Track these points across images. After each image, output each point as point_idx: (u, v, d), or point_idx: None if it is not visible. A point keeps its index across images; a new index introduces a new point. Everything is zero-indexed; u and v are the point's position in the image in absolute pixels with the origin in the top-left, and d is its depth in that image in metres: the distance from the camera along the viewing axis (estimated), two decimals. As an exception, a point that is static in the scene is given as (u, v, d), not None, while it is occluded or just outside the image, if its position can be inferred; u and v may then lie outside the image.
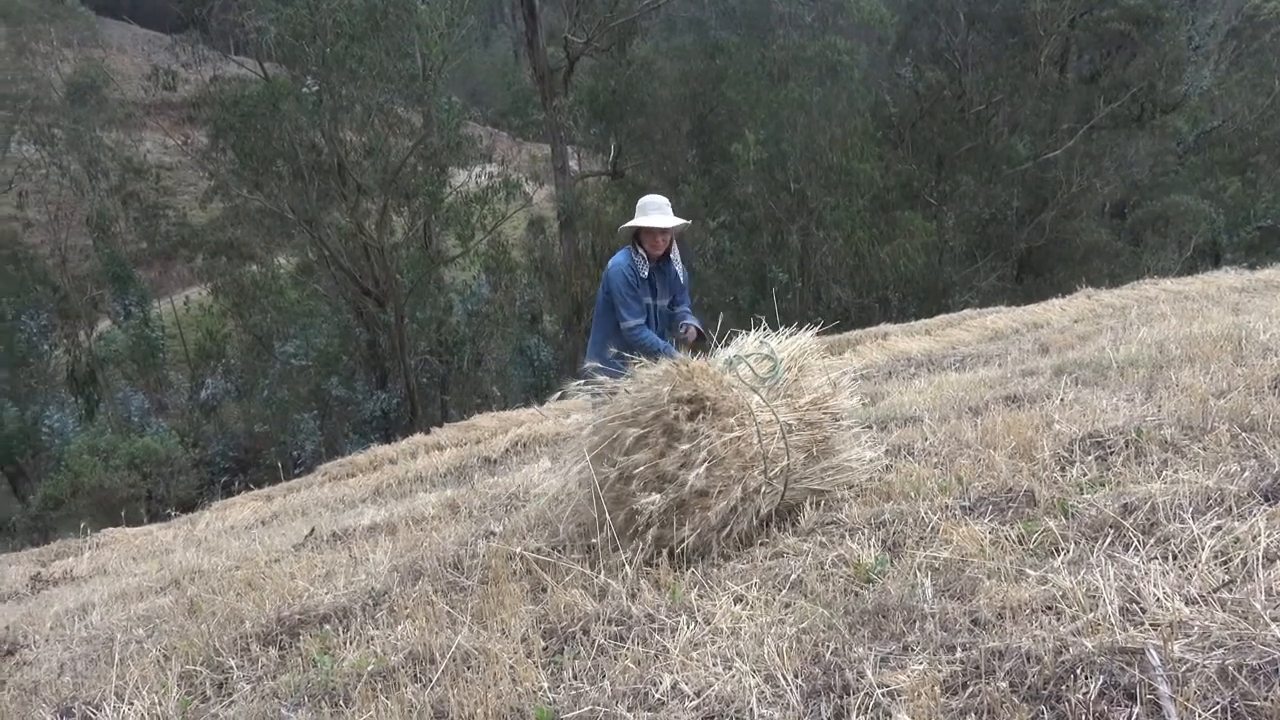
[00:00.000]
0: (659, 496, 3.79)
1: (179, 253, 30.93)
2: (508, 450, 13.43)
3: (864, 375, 11.52)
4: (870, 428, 5.87)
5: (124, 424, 29.26)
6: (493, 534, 4.90)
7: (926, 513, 3.74)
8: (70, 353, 27.61)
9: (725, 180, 31.00)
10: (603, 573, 3.74)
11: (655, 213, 5.26)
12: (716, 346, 4.79)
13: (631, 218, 5.38)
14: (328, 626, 3.86)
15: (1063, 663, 2.26)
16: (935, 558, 3.23)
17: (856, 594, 3.14)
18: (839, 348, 15.41)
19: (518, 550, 4.08)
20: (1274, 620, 2.28)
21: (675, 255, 5.44)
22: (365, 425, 26.11)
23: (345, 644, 3.65)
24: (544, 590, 3.73)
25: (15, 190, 25.95)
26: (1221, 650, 2.22)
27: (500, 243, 29.65)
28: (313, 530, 6.39)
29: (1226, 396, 4.73)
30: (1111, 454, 4.08)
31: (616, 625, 3.15)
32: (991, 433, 4.82)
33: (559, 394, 4.88)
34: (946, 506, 3.80)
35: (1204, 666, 2.18)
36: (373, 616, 3.89)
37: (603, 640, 3.07)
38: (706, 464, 3.79)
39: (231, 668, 3.70)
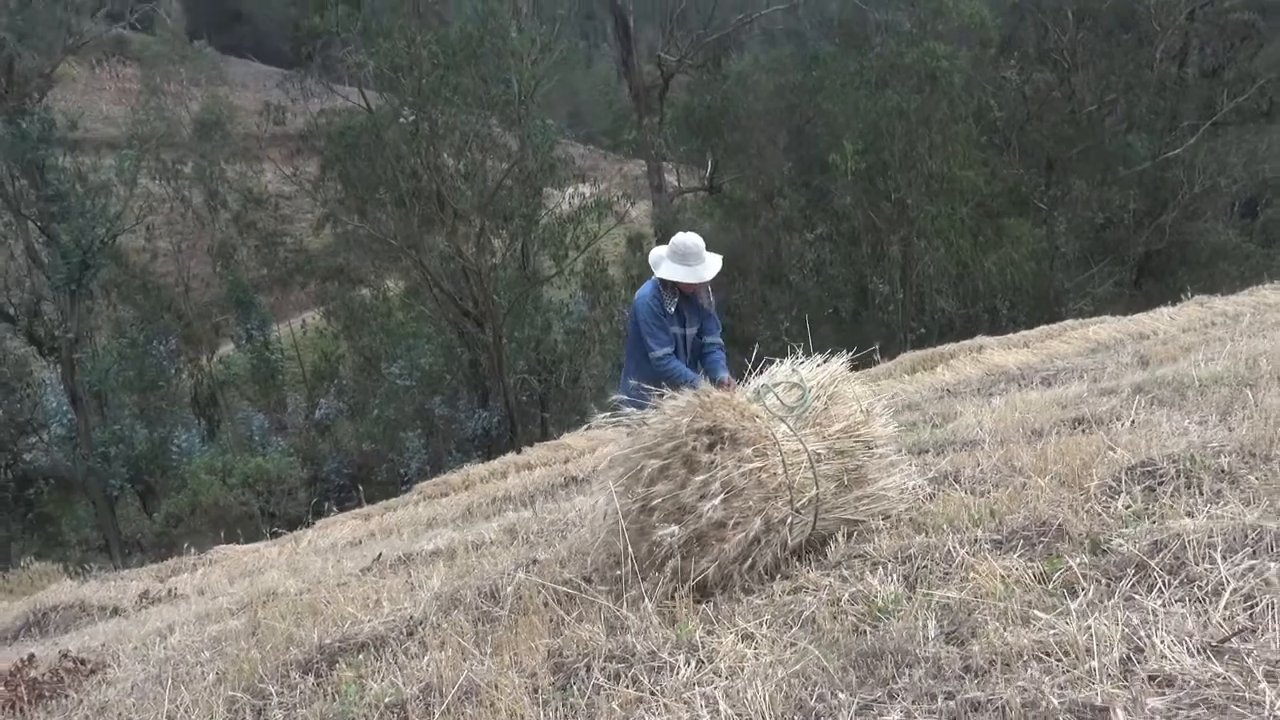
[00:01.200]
0: (677, 528, 3.78)
1: (294, 278, 32.39)
2: (595, 469, 13.56)
3: (949, 391, 11.23)
4: (927, 452, 5.72)
5: (245, 443, 30.76)
6: (535, 562, 4.96)
7: (954, 546, 3.61)
8: (193, 376, 29.22)
9: (823, 191, 30.68)
10: (624, 605, 3.74)
11: (683, 262, 4.98)
12: (753, 374, 4.74)
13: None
14: (362, 655, 3.98)
15: (1031, 717, 2.17)
16: (950, 597, 3.12)
17: (864, 633, 3.06)
18: (932, 362, 15.05)
19: (544, 582, 4.12)
20: (1267, 678, 2.12)
21: (707, 287, 5.30)
22: (468, 443, 26.74)
23: (375, 674, 3.75)
24: (564, 623, 3.76)
25: (144, 224, 27.70)
26: (1203, 709, 2.08)
27: (598, 260, 30.01)
28: (380, 555, 6.60)
29: (1305, 420, 4.43)
30: (1161, 484, 3.86)
31: (618, 663, 3.15)
32: (1045, 459, 4.63)
33: (586, 425, 4.95)
34: (977, 540, 3.66)
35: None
36: (405, 646, 3.99)
37: (601, 678, 3.08)
38: (723, 495, 3.77)
39: (271, 694, 3.85)
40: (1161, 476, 3.92)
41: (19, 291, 21.78)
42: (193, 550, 15.62)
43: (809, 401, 4.30)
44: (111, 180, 23.06)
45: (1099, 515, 3.68)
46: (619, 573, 4.00)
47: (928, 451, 5.72)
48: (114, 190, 23.06)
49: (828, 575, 3.70)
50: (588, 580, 4.26)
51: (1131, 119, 31.69)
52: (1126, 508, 3.70)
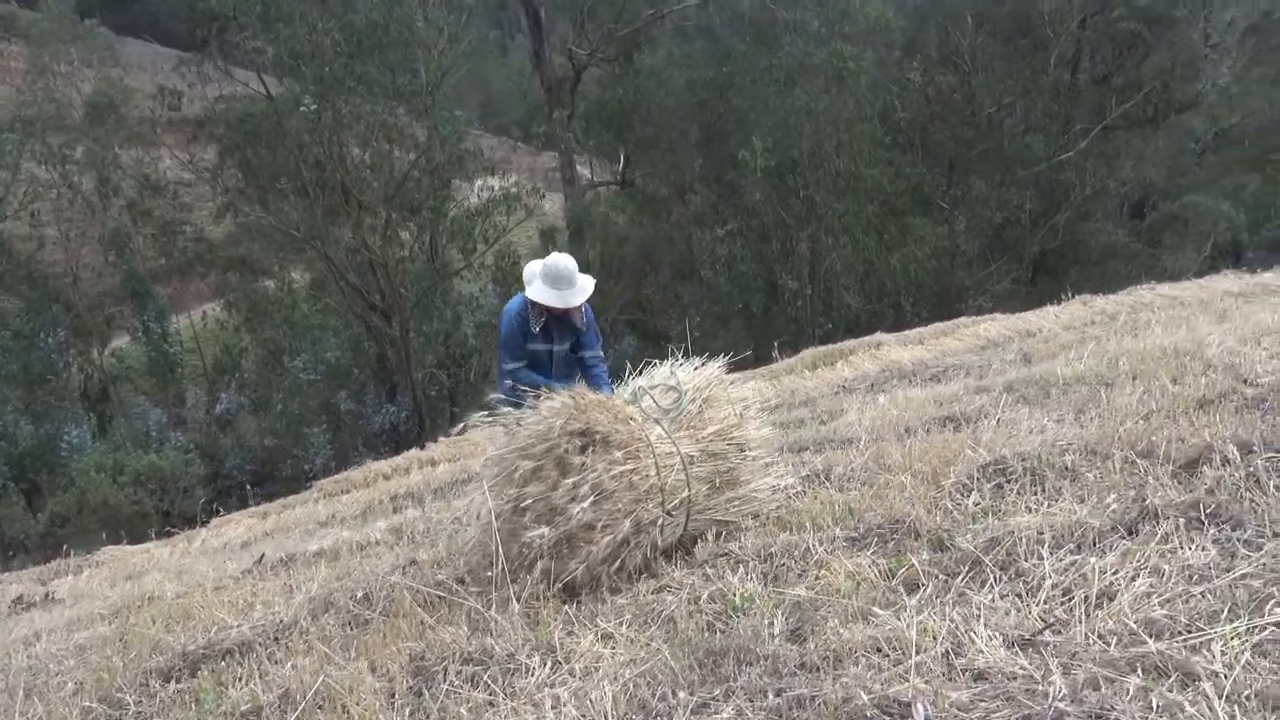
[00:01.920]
0: (547, 530, 3.82)
1: (194, 268, 31.35)
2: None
3: (844, 388, 11.51)
4: (806, 449, 5.87)
5: (142, 438, 29.65)
6: (414, 563, 4.95)
7: (814, 544, 3.73)
8: (84, 370, 28.09)
9: (735, 187, 31.00)
10: (493, 606, 3.76)
11: (554, 285, 4.86)
12: (631, 376, 4.80)
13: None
14: (226, 662, 3.92)
15: (846, 713, 2.27)
16: (799, 595, 3.23)
17: (716, 632, 3.15)
18: (833, 358, 15.38)
19: (414, 585, 4.11)
20: (1061, 670, 2.27)
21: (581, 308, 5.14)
22: (375, 438, 26.30)
23: (237, 680, 3.70)
24: (430, 626, 3.76)
25: (29, 210, 26.43)
26: (1001, 701, 2.21)
27: (509, 253, 29.81)
28: (261, 557, 6.48)
29: (1149, 418, 4.69)
30: (1010, 481, 4.05)
31: (475, 665, 3.18)
32: (910, 457, 4.81)
33: (461, 426, 4.90)
34: (835, 538, 3.79)
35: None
36: (270, 652, 3.94)
37: (457, 681, 3.09)
38: (592, 498, 3.82)
39: (129, 704, 3.77)
40: (1011, 474, 4.11)
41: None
42: (77, 552, 15.00)
43: (684, 405, 4.38)
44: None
45: (950, 512, 3.84)
46: (491, 574, 4.02)
47: (807, 449, 5.87)
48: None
49: (692, 574, 3.79)
50: (461, 581, 4.27)
51: (1028, 122, 32.82)
52: (976, 504, 3.87)
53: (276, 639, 4.10)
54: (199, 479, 23.45)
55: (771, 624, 3.01)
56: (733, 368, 5.13)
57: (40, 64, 40.28)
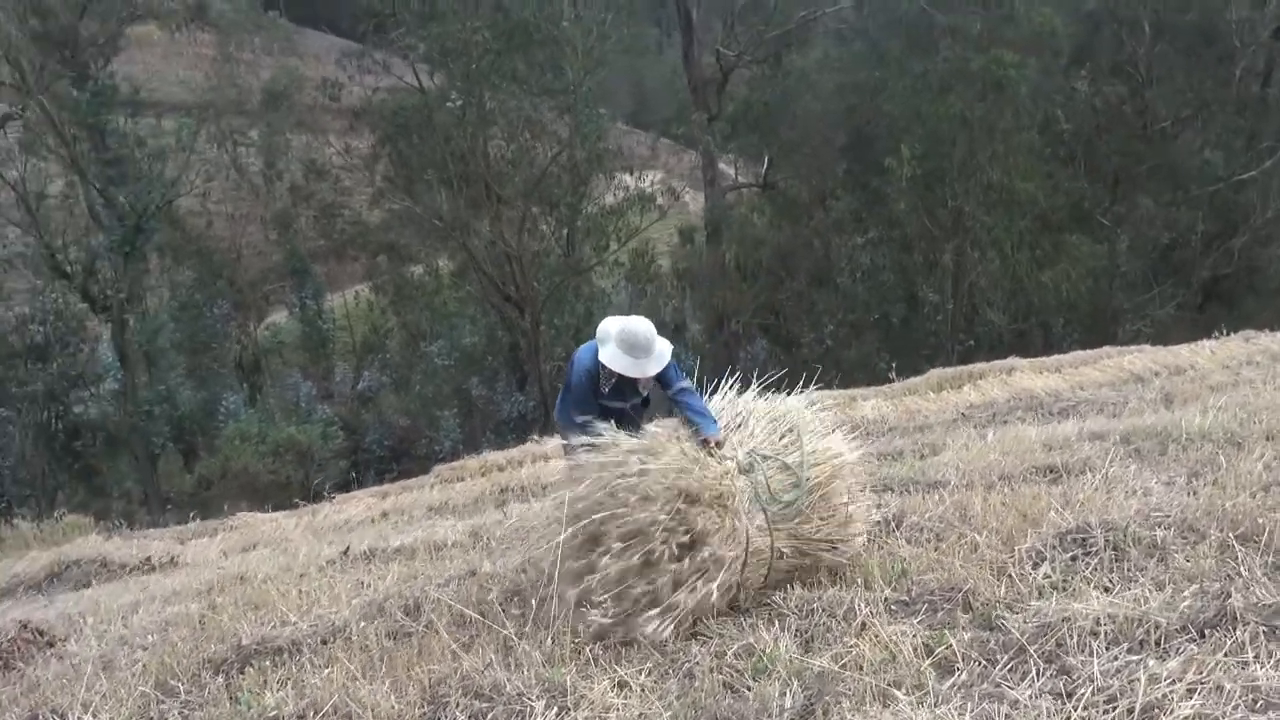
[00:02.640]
0: (607, 618, 3.63)
1: (346, 251, 32.88)
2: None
3: (964, 415, 10.99)
4: (891, 490, 5.59)
5: (292, 409, 31.34)
6: (473, 574, 4.96)
7: (859, 604, 3.53)
8: (239, 342, 29.92)
9: (879, 195, 30.15)
10: (526, 634, 3.72)
11: (629, 353, 4.40)
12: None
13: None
14: (270, 661, 4.02)
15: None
16: (821, 666, 3.05)
17: (732, 694, 3.01)
18: (960, 380, 14.70)
19: (454, 603, 4.11)
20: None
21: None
22: (503, 425, 26.91)
23: (277, 684, 3.78)
24: (463, 648, 3.75)
25: (202, 191, 28.37)
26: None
27: (644, 251, 29.96)
28: (348, 548, 6.68)
29: (1267, 492, 4.24)
30: (1088, 554, 3.72)
31: (483, 701, 3.14)
32: (992, 512, 4.50)
33: (533, 438, 4.77)
34: (884, 600, 3.58)
35: None
36: (313, 656, 4.02)
37: (461, 716, 3.06)
38: (668, 600, 3.62)
39: (180, 693, 3.91)
40: (1091, 546, 3.78)
41: (77, 250, 22.47)
42: (217, 516, 15.98)
43: (799, 500, 3.99)
44: (169, 146, 23.66)
45: (1014, 583, 3.56)
46: (543, 593, 3.95)
47: (891, 489, 5.59)
48: (170, 156, 23.65)
49: (728, 624, 3.64)
50: (511, 599, 4.25)
51: (1207, 137, 30.57)
52: (1046, 578, 3.58)
53: (325, 642, 4.18)
54: (334, 452, 24.57)
55: (784, 696, 2.84)
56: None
57: (226, 52, 43.18)
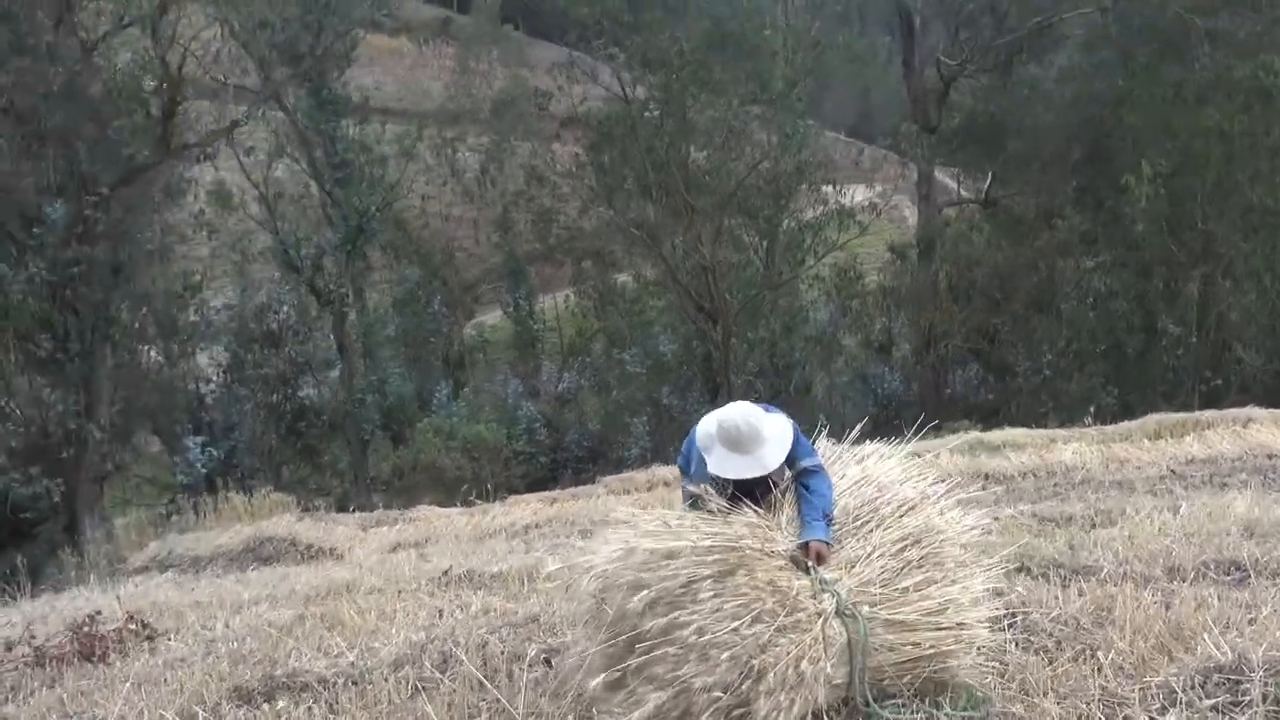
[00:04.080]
0: None
1: (554, 255, 33.83)
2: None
3: (1174, 473, 9.56)
4: (1027, 570, 4.74)
5: (500, 404, 32.61)
6: (534, 621, 4.61)
7: (914, 735, 2.87)
8: (449, 339, 31.45)
9: (1115, 215, 27.55)
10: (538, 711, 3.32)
11: (736, 450, 3.61)
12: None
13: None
14: (292, 700, 3.83)
15: None
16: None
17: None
18: (1184, 429, 12.99)
19: (473, 670, 3.76)
20: None
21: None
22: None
23: (285, 726, 3.58)
24: (470, 718, 3.39)
25: (421, 195, 30.06)
26: None
27: (854, 268, 28.84)
28: (449, 569, 6.53)
29: None
30: (1238, 704, 2.87)
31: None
32: (1134, 623, 3.64)
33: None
34: (951, 732, 2.89)
35: None
36: (335, 699, 3.80)
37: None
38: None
39: (197, 718, 3.79)
40: (1244, 694, 2.91)
41: (307, 246, 24.30)
42: (401, 506, 16.62)
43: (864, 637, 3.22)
44: (392, 152, 25.19)
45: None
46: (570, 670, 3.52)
47: (1029, 569, 4.74)
48: (393, 161, 25.17)
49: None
50: (547, 661, 3.87)
51: None
52: (1167, 732, 2.77)
53: (354, 683, 3.96)
54: (535, 449, 25.26)
55: None
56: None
57: (465, 64, 45.78)
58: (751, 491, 3.71)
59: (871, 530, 3.62)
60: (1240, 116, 24.64)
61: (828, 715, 3.13)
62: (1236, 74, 24.88)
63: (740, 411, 3.67)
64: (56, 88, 15.81)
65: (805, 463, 3.73)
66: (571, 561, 3.71)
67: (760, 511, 3.62)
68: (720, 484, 3.68)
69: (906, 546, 3.52)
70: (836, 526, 3.59)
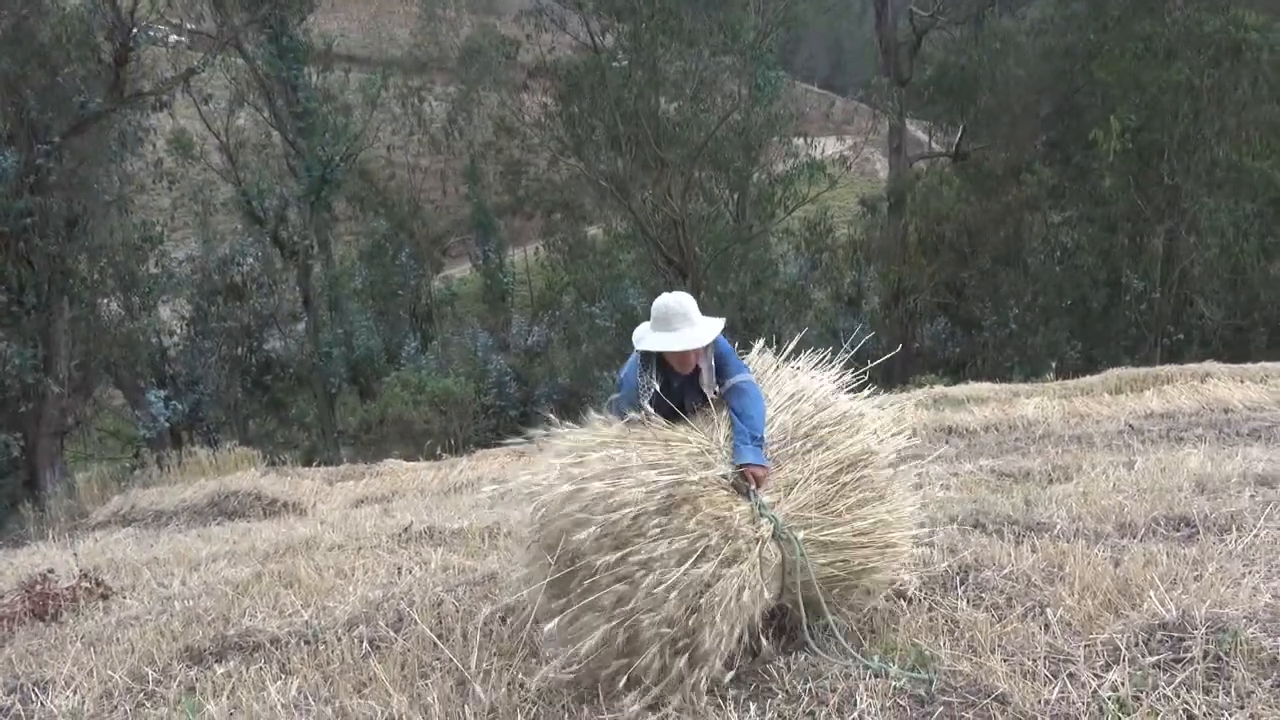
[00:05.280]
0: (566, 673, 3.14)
1: (523, 208, 33.44)
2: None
3: (1132, 428, 9.67)
4: (981, 527, 4.78)
5: (470, 357, 32.41)
6: (492, 578, 4.59)
7: (864, 695, 2.88)
8: (416, 291, 31.11)
9: (1083, 170, 27.63)
10: (481, 679, 3.30)
11: (665, 328, 3.65)
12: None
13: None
14: (243, 660, 3.79)
15: None
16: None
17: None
18: (1143, 383, 13.12)
19: (426, 628, 3.73)
20: None
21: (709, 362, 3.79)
22: (661, 391, 26.64)
23: (235, 687, 3.55)
24: (420, 676, 3.38)
25: (386, 146, 29.51)
26: None
27: (823, 221, 28.80)
28: (409, 526, 6.49)
29: None
30: (1179, 662, 2.90)
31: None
32: (1083, 580, 3.67)
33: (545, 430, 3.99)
34: (898, 690, 2.91)
35: None
36: (286, 660, 3.76)
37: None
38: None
39: (148, 682, 3.75)
40: (1185, 650, 2.95)
41: (270, 197, 23.81)
42: (368, 460, 16.53)
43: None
44: (355, 101, 24.65)
45: (1067, 691, 2.81)
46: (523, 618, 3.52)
47: (984, 525, 4.78)
48: (356, 110, 24.63)
49: (701, 698, 3.06)
50: (504, 619, 3.85)
51: None
52: (1113, 690, 2.80)
53: (307, 643, 3.92)
54: (490, 408, 25.15)
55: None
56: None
57: (431, 10, 44.72)
58: (683, 404, 3.75)
59: (809, 452, 3.66)
60: (1210, 71, 24.66)
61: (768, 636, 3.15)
62: (1207, 28, 24.83)
63: (675, 295, 3.74)
64: (3, 32, 15.29)
65: (736, 378, 3.75)
66: (510, 486, 3.71)
67: (694, 426, 3.65)
68: (653, 398, 3.69)
69: (843, 470, 3.59)
70: (775, 445, 3.63)
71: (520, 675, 3.24)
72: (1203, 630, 3.01)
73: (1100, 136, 24.44)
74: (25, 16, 15.36)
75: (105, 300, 21.53)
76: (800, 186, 22.18)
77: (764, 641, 3.27)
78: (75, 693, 3.74)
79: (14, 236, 15.91)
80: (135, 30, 16.14)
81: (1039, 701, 2.75)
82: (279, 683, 3.47)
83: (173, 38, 19.69)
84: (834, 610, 3.39)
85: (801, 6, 27.44)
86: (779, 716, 2.87)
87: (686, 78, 20.37)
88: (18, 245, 16.26)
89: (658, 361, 3.74)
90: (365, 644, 3.80)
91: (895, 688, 2.90)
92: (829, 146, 31.54)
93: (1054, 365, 19.06)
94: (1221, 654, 2.88)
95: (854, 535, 3.45)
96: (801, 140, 23.21)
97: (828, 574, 3.39)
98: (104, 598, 5.51)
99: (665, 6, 19.22)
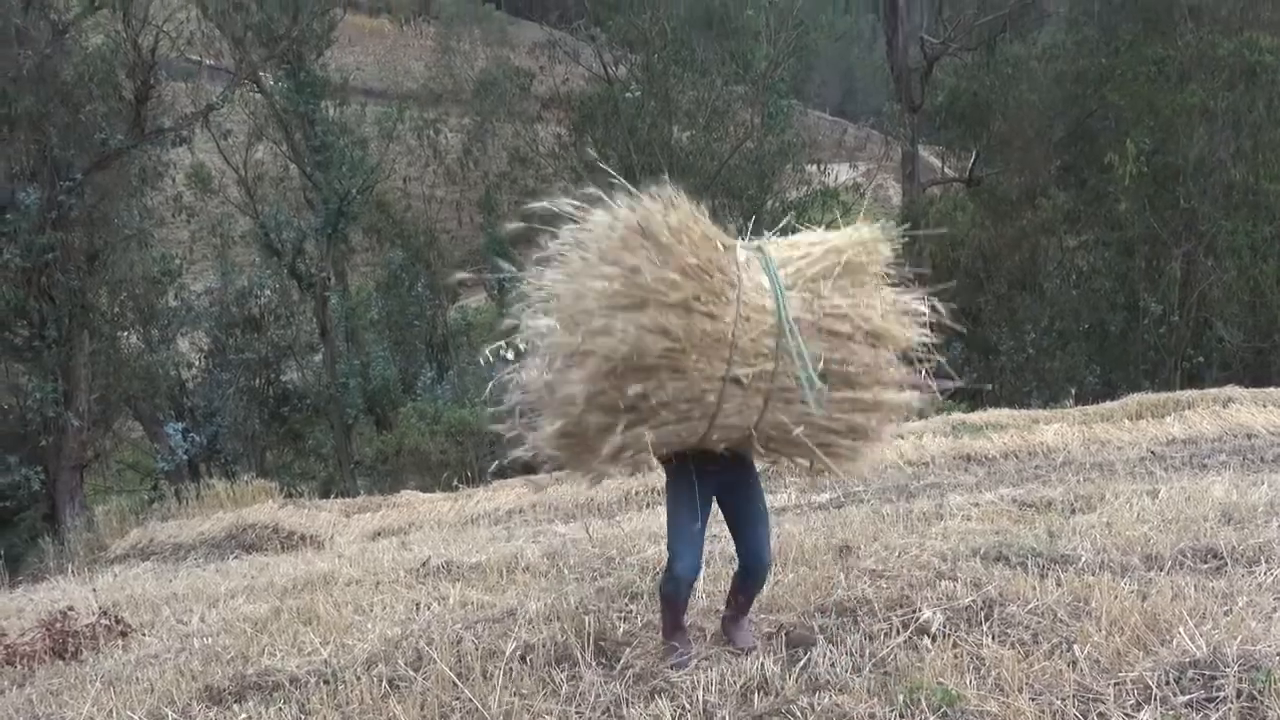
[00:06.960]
0: None
1: (537, 237, 33.55)
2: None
3: (1155, 455, 9.59)
4: (1002, 560, 4.72)
5: (484, 388, 32.45)
6: (511, 615, 4.56)
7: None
8: (430, 323, 31.27)
9: (1099, 194, 27.60)
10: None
11: None
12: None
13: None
14: (261, 701, 3.78)
15: None
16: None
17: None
18: (1164, 409, 12.99)
19: (444, 668, 3.71)
20: None
21: None
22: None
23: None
24: (443, 717, 3.35)
25: (403, 176, 29.82)
26: None
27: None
28: (427, 560, 6.47)
29: None
30: (1212, 701, 2.85)
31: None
32: (1110, 615, 3.62)
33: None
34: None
35: None
36: (305, 701, 3.74)
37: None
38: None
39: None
40: (1218, 690, 2.90)
41: (288, 229, 24.08)
42: (384, 492, 16.53)
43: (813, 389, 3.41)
44: (372, 134, 24.95)
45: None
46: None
47: (1006, 559, 4.72)
48: (373, 143, 24.94)
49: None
50: (524, 658, 3.83)
51: None
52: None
53: (325, 683, 3.90)
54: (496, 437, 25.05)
55: None
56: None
57: (446, 43, 45.29)
58: None
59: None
60: (1224, 94, 24.67)
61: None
62: (1220, 51, 24.86)
63: None
64: (26, 71, 15.58)
65: None
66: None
67: None
68: None
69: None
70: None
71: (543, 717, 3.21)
72: (1235, 668, 2.96)
73: (1115, 160, 24.44)
74: (49, 56, 15.65)
75: (125, 333, 21.77)
76: (814, 213, 22.24)
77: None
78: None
79: (36, 271, 16.12)
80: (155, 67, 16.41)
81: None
82: (298, 724, 3.45)
83: (207, 61, 19.98)
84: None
85: (813, 35, 27.63)
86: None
87: (699, 107, 20.54)
88: (40, 280, 16.47)
89: None
90: (384, 684, 3.78)
91: (921, 729, 2.86)
92: (842, 173, 31.65)
93: (1073, 391, 18.90)
94: (1255, 693, 2.83)
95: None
96: (815, 167, 23.28)
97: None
98: (123, 635, 5.52)
99: (678, 37, 19.43)
